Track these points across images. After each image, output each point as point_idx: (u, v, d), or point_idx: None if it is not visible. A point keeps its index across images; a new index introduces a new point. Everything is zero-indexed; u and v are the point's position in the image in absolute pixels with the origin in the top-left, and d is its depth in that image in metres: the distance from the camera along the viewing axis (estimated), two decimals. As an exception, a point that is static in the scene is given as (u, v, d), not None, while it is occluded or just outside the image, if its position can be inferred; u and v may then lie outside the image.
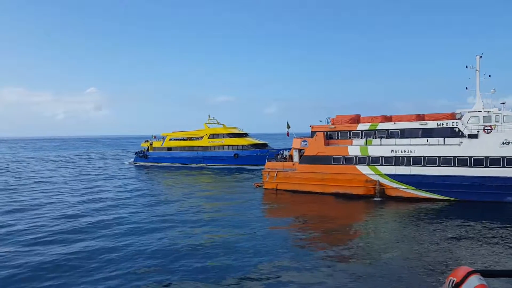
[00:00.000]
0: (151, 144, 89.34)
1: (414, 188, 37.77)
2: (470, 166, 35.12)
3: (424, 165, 37.17)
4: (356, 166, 40.35)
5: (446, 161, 36.14)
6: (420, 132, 38.54)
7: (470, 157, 35.12)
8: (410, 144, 38.22)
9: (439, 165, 36.49)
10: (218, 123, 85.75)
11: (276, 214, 35.90)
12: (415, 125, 38.93)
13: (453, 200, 36.12)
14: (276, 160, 47.60)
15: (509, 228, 26.86)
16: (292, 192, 43.52)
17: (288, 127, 48.35)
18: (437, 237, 25.39)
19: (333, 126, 43.03)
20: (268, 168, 45.87)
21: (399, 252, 22.55)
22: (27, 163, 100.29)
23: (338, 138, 42.69)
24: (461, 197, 35.59)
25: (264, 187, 46.27)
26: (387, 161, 38.91)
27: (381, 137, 40.25)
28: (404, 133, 39.37)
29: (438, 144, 37.07)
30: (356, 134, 41.86)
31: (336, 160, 41.42)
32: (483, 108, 36.78)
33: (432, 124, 38.06)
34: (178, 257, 21.99)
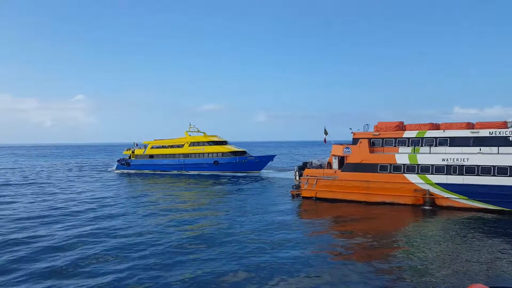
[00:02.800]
0: (133, 152, 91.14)
1: (467, 198, 36.66)
2: (529, 176, 34.22)
3: (478, 175, 36.11)
4: (405, 174, 39.10)
5: (502, 171, 35.14)
6: (471, 140, 37.57)
7: (529, 167, 34.25)
8: (462, 153, 37.19)
9: (494, 175, 35.47)
10: (198, 131, 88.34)
11: (320, 223, 34.05)
12: (466, 133, 37.95)
13: (508, 211, 35.10)
14: (309, 168, 46.05)
15: None
16: (332, 201, 41.96)
17: (326, 133, 46.93)
18: (490, 250, 24.25)
19: (377, 133, 41.80)
20: (307, 176, 44.31)
21: (451, 269, 21.04)
22: None
23: (382, 146, 41.46)
24: (517, 208, 34.62)
25: (302, 195, 44.65)
26: (438, 170, 37.76)
27: (430, 145, 39.16)
28: (454, 142, 38.36)
29: (492, 153, 36.14)
30: (402, 142, 40.70)
31: (383, 168, 40.12)
32: (538, 117, 36.07)
33: (484, 133, 37.12)
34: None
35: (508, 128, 36.61)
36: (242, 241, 26.49)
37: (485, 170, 35.82)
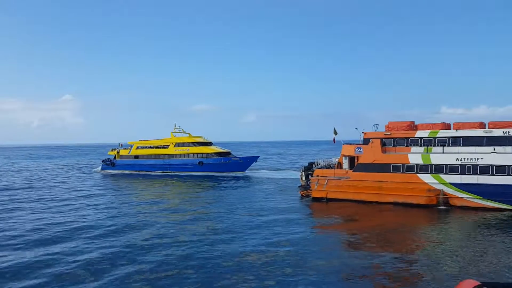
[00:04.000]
0: (118, 152, 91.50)
1: (481, 197, 36.50)
2: (545, 176, 34.17)
3: (492, 174, 35.98)
4: (418, 174, 38.81)
5: (517, 171, 35.07)
6: (484, 140, 37.45)
7: (545, 167, 34.19)
8: (476, 153, 37.04)
9: (509, 174, 35.37)
10: (184, 132, 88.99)
11: (329, 222, 33.67)
12: (479, 132, 37.83)
13: (524, 211, 35.04)
14: (318, 168, 45.52)
15: None
16: (344, 201, 41.48)
17: (335, 133, 46.45)
18: (507, 248, 24.17)
19: (389, 133, 41.46)
20: (318, 176, 43.76)
21: (465, 264, 21.13)
22: None
23: (394, 145, 41.14)
24: (535, 208, 34.54)
25: (312, 195, 44.07)
26: (452, 169, 37.54)
27: (442, 145, 38.95)
28: (467, 141, 38.21)
29: (506, 153, 36.05)
30: (414, 142, 40.43)
31: (395, 168, 39.78)
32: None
33: (497, 132, 37.03)
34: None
35: (521, 127, 36.56)
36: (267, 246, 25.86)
37: (500, 170, 35.71)
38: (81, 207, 41.28)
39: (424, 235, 28.10)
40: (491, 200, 36.21)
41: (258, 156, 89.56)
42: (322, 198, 43.24)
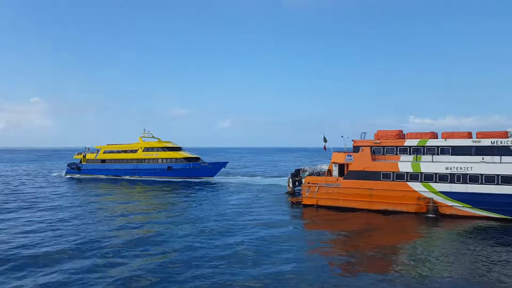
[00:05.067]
0: (84, 156, 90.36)
1: (471, 206, 37.03)
2: (532, 185, 34.97)
3: (481, 183, 36.60)
4: (408, 182, 39.09)
5: (506, 180, 35.77)
6: (473, 149, 38.10)
7: (532, 176, 35.01)
8: (466, 162, 37.62)
9: (497, 183, 36.06)
10: (153, 136, 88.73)
11: (320, 229, 33.11)
12: (468, 142, 38.49)
13: (511, 219, 35.72)
14: (310, 176, 45.28)
15: None
16: (334, 209, 41.30)
17: (325, 141, 46.40)
18: (495, 257, 24.54)
19: (378, 141, 41.68)
20: (309, 183, 43.46)
21: (453, 273, 21.32)
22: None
23: (384, 154, 41.37)
24: (521, 216, 35.28)
25: (302, 202, 43.71)
26: (441, 178, 37.98)
27: (432, 154, 39.40)
28: (455, 150, 38.78)
29: (494, 162, 36.77)
30: (403, 150, 40.77)
31: (386, 176, 39.94)
32: (537, 128, 37.13)
33: (485, 142, 37.75)
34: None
35: (508, 138, 37.41)
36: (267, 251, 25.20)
37: (489, 179, 36.34)
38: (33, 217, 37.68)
39: (415, 246, 27.89)
40: (480, 208, 36.77)
41: (227, 162, 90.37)
42: (312, 205, 42.95)
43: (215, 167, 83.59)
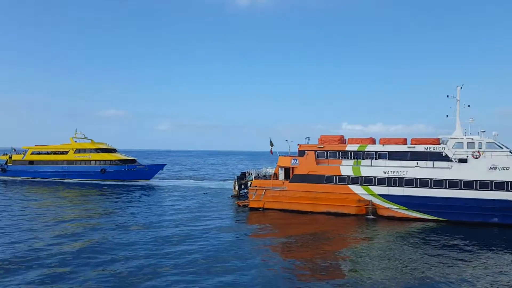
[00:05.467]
0: (10, 157, 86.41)
1: (406, 208, 39.38)
2: (460, 189, 37.81)
3: (416, 187, 39.07)
4: (349, 185, 40.85)
5: (438, 183, 38.43)
6: (408, 155, 40.57)
7: (461, 180, 37.88)
8: (402, 166, 39.97)
9: (431, 187, 38.65)
10: (85, 138, 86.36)
11: (267, 233, 33.79)
12: (403, 148, 40.93)
13: (443, 221, 38.39)
14: (257, 179, 45.92)
15: (495, 251, 28.32)
16: (280, 211, 42.23)
17: (272, 145, 47.24)
18: (428, 257, 26.30)
19: (322, 146, 43.19)
20: (256, 186, 44.03)
21: (390, 273, 22.90)
22: None
23: (327, 158, 42.92)
24: (451, 218, 37.93)
25: (249, 205, 44.19)
26: (380, 181, 40.09)
27: (371, 158, 41.47)
28: (393, 155, 41.08)
29: (427, 167, 39.39)
30: (345, 155, 42.56)
31: (329, 179, 41.46)
32: (465, 135, 40.25)
33: (420, 148, 40.36)
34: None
35: (440, 144, 40.26)
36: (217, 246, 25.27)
37: (423, 183, 38.88)
38: None
39: (355, 246, 29.37)
40: (415, 210, 39.22)
41: (165, 164, 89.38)
42: (259, 208, 43.58)
43: (152, 170, 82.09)
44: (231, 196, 52.48)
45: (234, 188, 52.62)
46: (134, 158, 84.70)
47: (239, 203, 46.45)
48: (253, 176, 52.03)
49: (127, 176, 79.06)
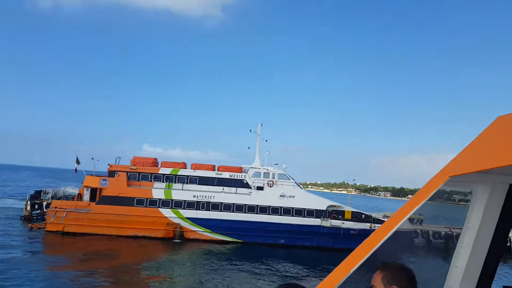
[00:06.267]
0: None
1: (211, 231, 42.24)
2: (257, 213, 42.86)
3: (221, 211, 42.45)
4: (159, 209, 41.44)
5: (239, 208, 42.71)
6: (216, 180, 43.92)
7: (257, 206, 43.01)
8: (209, 191, 42.92)
9: (233, 211, 42.61)
10: None
11: (64, 264, 30.88)
12: (212, 174, 44.14)
13: (241, 242, 42.57)
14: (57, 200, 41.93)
15: (281, 266, 33.83)
16: (83, 235, 39.46)
17: (78, 162, 43.81)
18: (227, 275, 29.83)
19: (135, 167, 42.78)
20: (56, 208, 39.99)
21: None
22: None
23: (139, 180, 42.62)
24: (248, 240, 42.36)
25: (46, 229, 39.74)
26: (189, 205, 42.03)
27: (182, 182, 43.18)
28: (202, 180, 43.75)
29: (231, 193, 43.41)
30: (158, 177, 43.13)
31: (139, 202, 41.18)
32: (262, 166, 46.03)
33: (226, 175, 44.22)
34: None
35: (242, 172, 44.93)
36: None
37: (227, 207, 42.54)
38: None
39: (158, 268, 30.31)
40: (218, 233, 42.35)
41: None
42: (58, 231, 39.69)
43: None
44: (21, 217, 46.09)
45: (26, 208, 46.47)
46: None
47: (33, 225, 41.32)
48: (49, 195, 47.19)
49: None
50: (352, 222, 42.35)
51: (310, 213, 42.93)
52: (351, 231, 41.71)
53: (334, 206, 44.28)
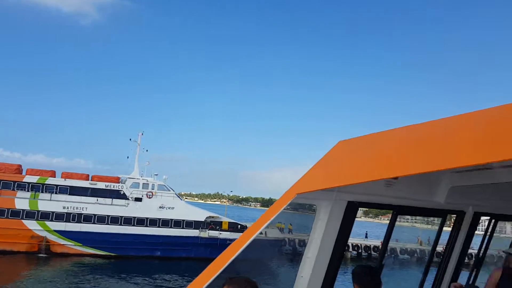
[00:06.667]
0: None
1: (81, 244, 39.69)
2: (134, 225, 41.60)
3: (94, 223, 40.23)
4: (23, 220, 37.77)
5: (115, 220, 40.98)
6: (89, 191, 41.57)
7: (135, 217, 41.80)
8: (82, 202, 40.42)
9: (107, 223, 40.72)
10: None
11: None
12: (86, 184, 41.67)
13: (115, 255, 40.70)
14: None
15: (157, 277, 33.73)
16: None
17: None
18: None
19: (-6, 174, 38.28)
20: None
21: None
22: None
23: (0, 188, 38.23)
24: (122, 253, 40.66)
25: None
26: (58, 217, 39.05)
27: (51, 192, 39.96)
28: (74, 191, 40.99)
29: (106, 204, 41.47)
30: (22, 186, 39.28)
31: (0, 213, 36.90)
32: (141, 177, 45.01)
33: (101, 185, 42.15)
34: None
35: (119, 183, 43.32)
36: None
37: (101, 219, 40.49)
38: None
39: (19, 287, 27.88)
40: (90, 246, 39.95)
41: None
42: None
43: None
44: None
45: None
46: None
47: None
48: None
49: None
50: (228, 233, 43.70)
51: (189, 224, 43.20)
52: (227, 241, 43.07)
53: (213, 217, 45.31)
